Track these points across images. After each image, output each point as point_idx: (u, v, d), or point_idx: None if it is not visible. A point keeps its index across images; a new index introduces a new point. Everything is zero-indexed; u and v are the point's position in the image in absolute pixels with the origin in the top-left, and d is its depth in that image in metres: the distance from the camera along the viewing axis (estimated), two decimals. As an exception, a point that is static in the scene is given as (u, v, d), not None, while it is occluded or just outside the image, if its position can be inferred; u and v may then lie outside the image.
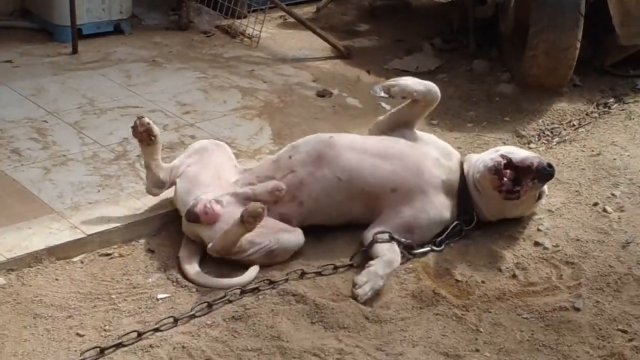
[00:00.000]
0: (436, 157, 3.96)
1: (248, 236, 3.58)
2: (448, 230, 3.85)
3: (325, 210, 3.84)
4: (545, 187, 3.93)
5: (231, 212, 3.65)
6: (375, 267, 3.58)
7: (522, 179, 3.74)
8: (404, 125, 4.07)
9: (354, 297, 3.47)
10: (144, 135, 3.87)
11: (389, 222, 3.80)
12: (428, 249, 3.81)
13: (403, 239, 3.75)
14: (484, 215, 3.94)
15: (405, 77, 4.12)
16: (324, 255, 3.74)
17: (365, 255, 3.72)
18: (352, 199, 3.84)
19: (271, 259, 3.67)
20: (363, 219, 3.88)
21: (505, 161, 3.75)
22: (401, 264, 3.70)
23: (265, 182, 3.82)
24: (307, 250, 3.78)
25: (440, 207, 3.87)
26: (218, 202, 3.68)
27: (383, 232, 3.75)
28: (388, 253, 3.67)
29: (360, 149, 3.89)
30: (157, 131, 3.89)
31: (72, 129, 4.77)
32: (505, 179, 3.72)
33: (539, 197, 3.94)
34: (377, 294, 3.51)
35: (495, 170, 3.73)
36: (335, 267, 3.67)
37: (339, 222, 3.90)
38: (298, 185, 3.81)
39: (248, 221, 3.47)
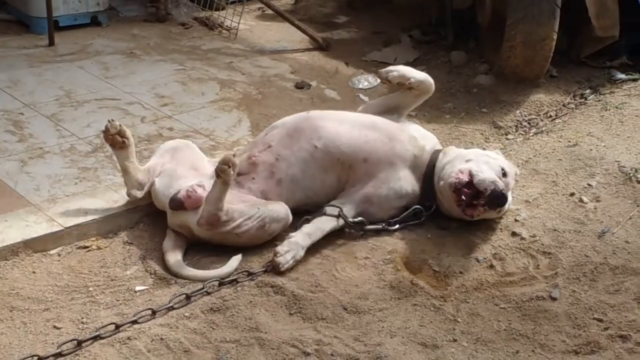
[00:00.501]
0: (413, 135, 4.03)
1: (236, 206, 3.59)
2: (405, 213, 3.88)
3: (303, 188, 3.84)
4: (510, 197, 3.90)
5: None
6: (296, 237, 3.64)
7: (479, 200, 3.75)
8: (393, 111, 4.16)
9: (275, 266, 3.52)
10: (116, 139, 3.82)
11: (350, 196, 3.85)
12: (380, 227, 3.85)
13: (351, 219, 3.79)
14: (446, 210, 3.96)
15: (403, 66, 4.24)
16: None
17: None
18: (326, 169, 3.86)
19: (263, 232, 3.66)
20: (336, 195, 3.90)
21: (467, 180, 3.75)
22: (355, 240, 3.79)
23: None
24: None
25: (403, 180, 3.90)
26: (200, 185, 3.69)
27: (335, 207, 3.79)
28: (311, 225, 3.72)
29: (338, 119, 3.96)
30: (129, 133, 3.86)
31: (49, 121, 4.74)
32: (463, 198, 3.74)
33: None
34: (296, 263, 3.58)
35: (455, 189, 3.75)
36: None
37: (316, 200, 3.89)
38: (274, 162, 3.83)
39: (222, 170, 3.46)
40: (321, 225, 3.75)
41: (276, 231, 3.72)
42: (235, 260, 3.59)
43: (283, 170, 3.82)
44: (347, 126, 3.92)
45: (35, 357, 3.02)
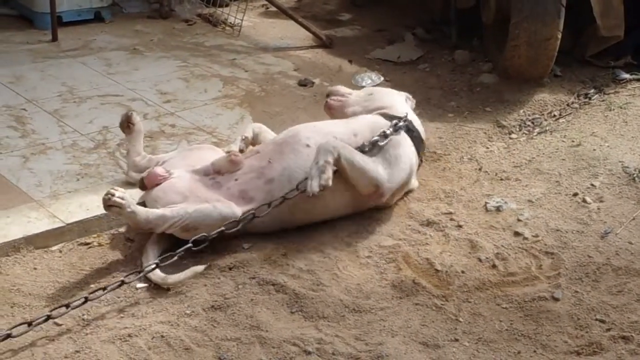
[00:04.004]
0: (376, 121, 4.10)
1: (158, 212, 3.56)
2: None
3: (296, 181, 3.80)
4: None
5: (182, 183, 3.70)
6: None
7: None
8: None
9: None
10: (124, 123, 4.08)
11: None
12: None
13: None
14: None
15: None
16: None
17: None
18: None
19: (190, 232, 3.59)
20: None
21: None
22: (357, 239, 3.76)
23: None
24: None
25: (408, 150, 4.03)
26: (165, 170, 3.74)
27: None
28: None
29: (319, 125, 4.07)
30: (135, 119, 4.08)
31: (52, 117, 4.74)
32: None
33: None
34: None
35: None
36: (285, 198, 3.69)
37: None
38: (265, 165, 3.81)
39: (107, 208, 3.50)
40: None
41: (207, 230, 3.58)
42: (190, 272, 3.51)
43: (277, 170, 3.78)
44: (330, 124, 4.10)
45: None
